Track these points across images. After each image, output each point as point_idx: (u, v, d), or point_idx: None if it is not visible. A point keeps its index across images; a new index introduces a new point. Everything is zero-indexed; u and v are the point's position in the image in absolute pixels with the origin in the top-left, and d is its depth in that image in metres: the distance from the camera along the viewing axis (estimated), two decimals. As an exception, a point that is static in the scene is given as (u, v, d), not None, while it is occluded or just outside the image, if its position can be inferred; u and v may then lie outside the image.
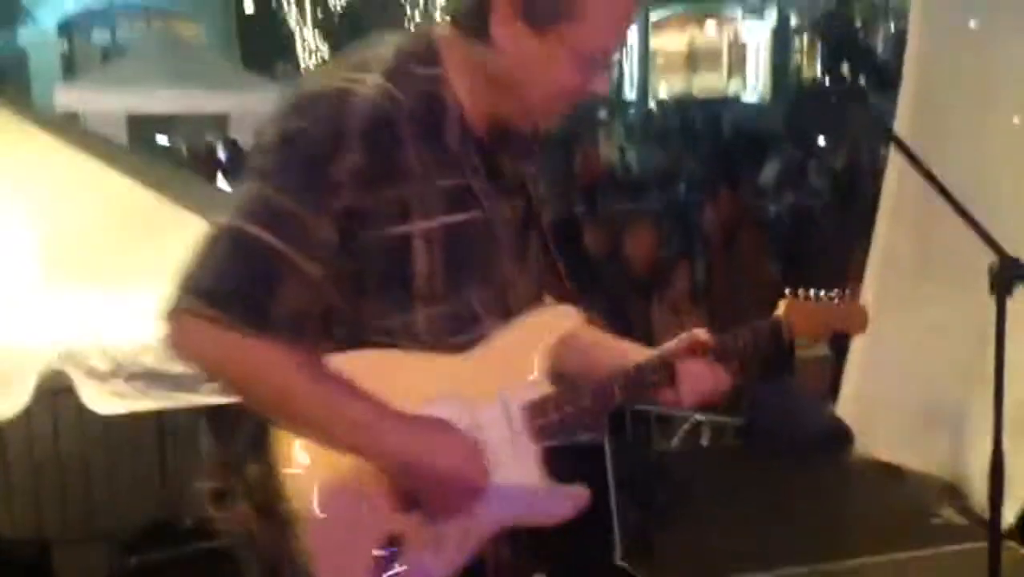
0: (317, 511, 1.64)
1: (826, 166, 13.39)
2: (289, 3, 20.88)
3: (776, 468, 3.96)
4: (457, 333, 1.72)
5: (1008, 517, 3.66)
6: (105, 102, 14.22)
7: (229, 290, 1.57)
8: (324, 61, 18.86)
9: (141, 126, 16.83)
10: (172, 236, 3.62)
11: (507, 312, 1.78)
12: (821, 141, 14.70)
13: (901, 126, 4.24)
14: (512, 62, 1.68)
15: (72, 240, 3.49)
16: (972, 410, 3.67)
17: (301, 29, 20.49)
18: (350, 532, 1.67)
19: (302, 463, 1.65)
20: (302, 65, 20.47)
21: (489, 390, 1.75)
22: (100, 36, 25.61)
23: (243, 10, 28.37)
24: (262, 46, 24.92)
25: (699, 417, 4.46)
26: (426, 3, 9.67)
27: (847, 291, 2.05)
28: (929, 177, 2.14)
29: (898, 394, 4.11)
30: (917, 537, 3.35)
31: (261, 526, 1.70)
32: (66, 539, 4.74)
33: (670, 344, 1.94)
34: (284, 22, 21.41)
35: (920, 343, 4.22)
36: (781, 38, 28.79)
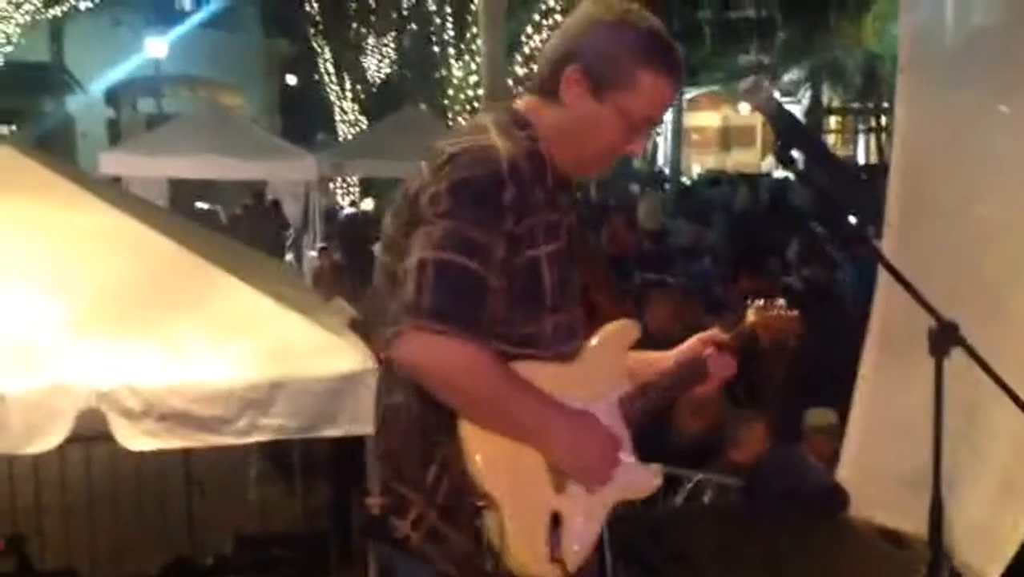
0: (504, 498, 1.95)
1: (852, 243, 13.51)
2: (330, 76, 21.37)
3: (776, 528, 4.11)
4: (569, 341, 2.14)
5: (993, 573, 3.80)
6: (148, 167, 14.62)
7: (448, 308, 1.92)
8: (362, 131, 19.31)
9: (182, 191, 17.28)
10: (201, 290, 3.89)
11: (589, 328, 2.21)
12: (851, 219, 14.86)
13: (892, 210, 4.46)
14: (575, 118, 2.12)
15: (111, 292, 3.74)
16: (956, 475, 3.81)
17: (340, 101, 20.96)
18: (530, 512, 1.99)
19: (486, 459, 1.96)
20: (340, 136, 20.90)
21: (595, 390, 2.15)
22: (145, 104, 26.27)
23: (285, 82, 29.06)
24: (302, 116, 25.50)
25: (702, 476, 4.62)
26: (459, 81, 10.03)
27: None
28: (876, 253, 2.34)
29: (893, 460, 4.25)
30: (901, 590, 3.49)
31: (448, 527, 2.00)
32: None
33: (694, 345, 2.42)
34: (324, 94, 21.90)
35: (915, 412, 4.37)
36: (814, 117, 29.10)
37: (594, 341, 2.18)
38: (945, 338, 2.26)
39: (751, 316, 2.50)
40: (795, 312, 2.53)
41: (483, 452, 1.96)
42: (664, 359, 2.40)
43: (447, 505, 2.00)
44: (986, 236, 4.07)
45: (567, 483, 2.04)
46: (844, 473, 4.52)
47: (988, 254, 4.02)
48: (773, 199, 20.39)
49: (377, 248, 2.24)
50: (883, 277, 4.52)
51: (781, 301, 2.53)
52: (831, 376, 4.96)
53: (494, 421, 1.98)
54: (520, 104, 2.20)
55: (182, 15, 25.32)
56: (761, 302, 2.52)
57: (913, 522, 4.38)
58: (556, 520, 2.00)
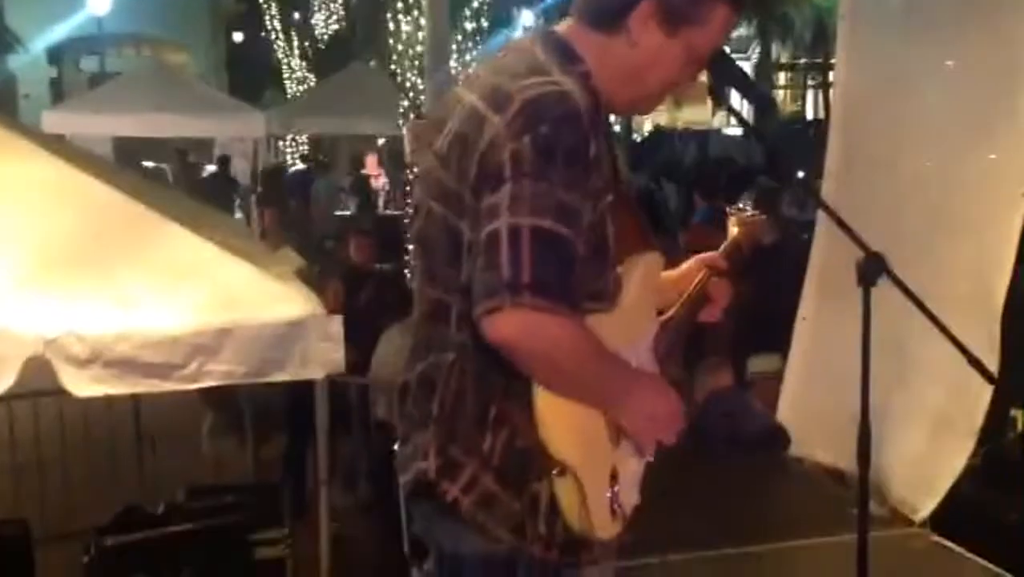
0: (578, 464, 1.90)
1: (800, 197, 13.69)
2: (277, 33, 21.09)
3: (720, 469, 4.22)
4: (618, 291, 2.01)
5: (927, 508, 3.95)
6: (92, 126, 14.44)
7: (548, 283, 1.78)
8: (310, 88, 19.14)
9: (127, 150, 17.09)
10: (148, 239, 3.90)
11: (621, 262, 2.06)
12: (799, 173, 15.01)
13: (831, 157, 4.56)
14: (640, 53, 1.99)
15: (57, 242, 3.73)
16: (893, 415, 3.94)
17: (288, 58, 20.72)
18: (598, 472, 1.96)
19: (561, 426, 1.89)
20: (288, 93, 20.69)
21: (636, 335, 2.09)
22: (88, 63, 25.83)
23: (232, 39, 28.68)
24: (250, 74, 25.21)
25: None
26: (408, 37, 9.95)
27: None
28: (812, 194, 2.40)
29: (831, 400, 4.36)
30: (838, 525, 3.60)
31: (504, 491, 1.93)
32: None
33: (692, 269, 2.37)
34: (272, 52, 21.64)
35: (851, 352, 4.49)
36: (763, 73, 29.22)
37: (631, 282, 2.05)
38: (872, 268, 2.33)
39: (735, 228, 2.49)
40: (763, 215, 2.58)
41: (558, 420, 1.89)
42: (670, 287, 2.34)
43: (504, 469, 1.93)
44: (915, 185, 4.18)
45: (621, 436, 2.00)
46: (784, 414, 4.65)
47: (916, 202, 4.14)
48: (723, 155, 20.54)
49: (421, 195, 2.05)
50: (820, 223, 4.63)
51: (748, 210, 2.57)
52: (780, 325, 5.06)
53: (578, 392, 1.91)
54: (564, 32, 2.03)
55: (126, -28, 24.86)
56: (736, 213, 2.54)
57: (851, 459, 4.51)
58: (614, 474, 1.98)
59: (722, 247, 2.46)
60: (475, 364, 1.94)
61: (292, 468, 6.19)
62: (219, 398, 6.45)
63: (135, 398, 5.72)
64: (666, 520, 3.68)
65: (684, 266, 2.39)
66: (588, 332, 1.87)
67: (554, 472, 1.89)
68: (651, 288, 2.14)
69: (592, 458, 1.95)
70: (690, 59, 2.00)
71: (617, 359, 1.95)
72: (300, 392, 4.77)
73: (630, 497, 2.04)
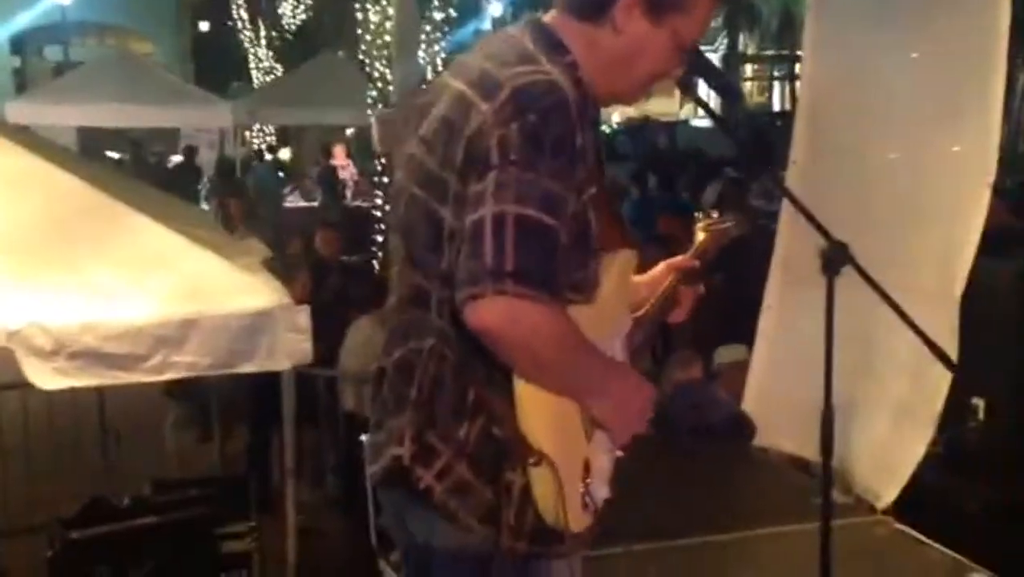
0: (556, 454, 1.89)
1: (768, 188, 13.77)
2: (243, 23, 20.95)
3: (686, 459, 4.24)
4: (598, 283, 2.00)
5: (889, 496, 3.98)
6: (55, 116, 14.30)
7: (531, 272, 1.78)
8: (277, 78, 19.02)
9: (91, 140, 16.93)
10: (113, 229, 3.87)
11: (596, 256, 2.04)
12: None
13: (797, 147, 4.59)
14: (626, 43, 1.99)
15: (20, 232, 3.70)
16: (857, 403, 3.98)
17: (254, 48, 20.59)
18: (573, 464, 1.95)
19: (540, 417, 1.90)
20: (255, 83, 20.54)
21: (612, 328, 2.10)
22: (52, 52, 25.56)
23: (197, 29, 28.44)
24: (216, 64, 25.02)
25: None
26: (376, 27, 9.92)
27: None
28: (777, 183, 2.42)
29: (796, 389, 4.39)
30: (802, 513, 3.63)
31: (477, 479, 1.92)
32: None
33: (663, 273, 2.39)
34: (238, 41, 21.48)
35: (816, 341, 4.53)
36: (731, 64, 29.38)
37: (607, 276, 2.06)
38: (836, 257, 2.34)
39: (701, 234, 2.53)
40: (730, 221, 2.60)
41: (537, 411, 1.89)
42: (642, 287, 2.35)
43: (478, 457, 1.92)
44: (881, 175, 4.21)
45: (594, 431, 2.00)
46: (750, 404, 4.67)
47: (882, 192, 4.17)
48: (691, 145, 20.66)
49: (403, 179, 2.04)
50: (785, 212, 4.66)
51: (715, 214, 2.60)
52: (746, 315, 5.09)
53: (557, 382, 1.90)
54: (552, 21, 2.02)
55: (89, -40, 24.58)
56: (704, 218, 2.59)
57: (815, 448, 4.55)
58: (587, 468, 1.99)
59: (690, 252, 2.50)
60: (455, 351, 1.93)
61: (257, 461, 6.17)
62: (182, 391, 6.42)
63: (99, 390, 5.69)
64: (631, 510, 3.69)
65: (655, 269, 2.41)
66: (569, 321, 1.87)
67: (531, 461, 1.89)
68: (626, 284, 2.16)
69: (567, 450, 1.94)
70: (676, 48, 2.00)
71: (595, 350, 1.95)
72: (265, 384, 4.76)
73: (601, 491, 2.04)
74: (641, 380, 2.05)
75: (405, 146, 2.06)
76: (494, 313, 1.78)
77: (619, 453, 2.10)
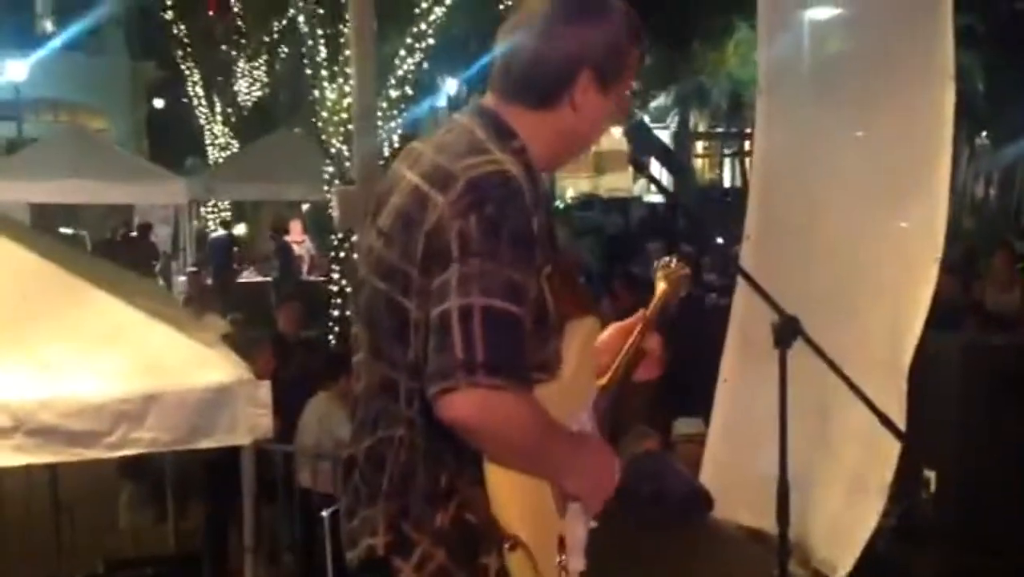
0: (530, 537, 1.91)
1: (719, 262, 13.97)
2: (199, 99, 21.03)
3: (643, 531, 4.25)
4: (559, 359, 2.03)
5: (846, 566, 4.03)
6: (8, 192, 14.20)
7: (502, 362, 1.80)
8: (233, 154, 19.06)
9: (44, 217, 16.81)
10: (71, 305, 3.86)
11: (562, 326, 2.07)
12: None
13: (750, 222, 4.70)
14: (581, 118, 2.05)
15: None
16: (812, 475, 4.03)
17: (210, 124, 20.65)
18: (548, 543, 1.97)
19: (512, 501, 1.91)
20: (211, 159, 20.58)
21: (580, 401, 2.12)
22: (5, 129, 25.44)
23: (152, 106, 28.46)
24: (170, 141, 25.01)
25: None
26: (333, 104, 10.04)
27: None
28: (730, 258, 2.48)
29: (753, 461, 4.44)
30: (762, 585, 3.65)
31: (457, 567, 1.92)
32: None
33: (623, 331, 2.36)
34: (193, 118, 21.54)
35: (771, 413, 4.59)
36: (681, 142, 29.83)
37: (571, 348, 2.07)
38: (787, 330, 2.41)
39: (661, 283, 2.53)
40: (687, 268, 2.59)
41: (508, 494, 1.91)
42: (609, 351, 2.35)
43: (455, 544, 1.93)
44: (831, 251, 4.32)
45: (567, 504, 2.02)
46: (707, 476, 4.71)
47: (832, 266, 4.27)
48: (644, 221, 20.92)
49: (365, 271, 2.07)
50: (740, 286, 4.75)
51: (672, 260, 2.58)
52: (699, 387, 5.14)
53: (529, 466, 1.93)
54: (495, 108, 2.06)
55: (44, 37, 24.62)
56: (662, 264, 2.57)
57: (773, 520, 4.60)
58: (561, 543, 2.01)
59: (652, 304, 2.48)
60: (425, 440, 1.95)
61: (213, 539, 6.09)
62: (136, 468, 6.35)
63: (52, 467, 5.60)
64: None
65: (604, 334, 2.38)
66: (539, 407, 1.90)
67: (506, 546, 1.90)
68: (590, 354, 2.17)
69: (542, 529, 1.97)
70: (615, 112, 2.10)
71: (564, 430, 1.99)
72: (221, 460, 4.72)
73: (577, 563, 2.07)
74: (607, 448, 2.10)
75: (363, 236, 2.12)
76: (468, 406, 1.81)
77: (593, 523, 2.13)
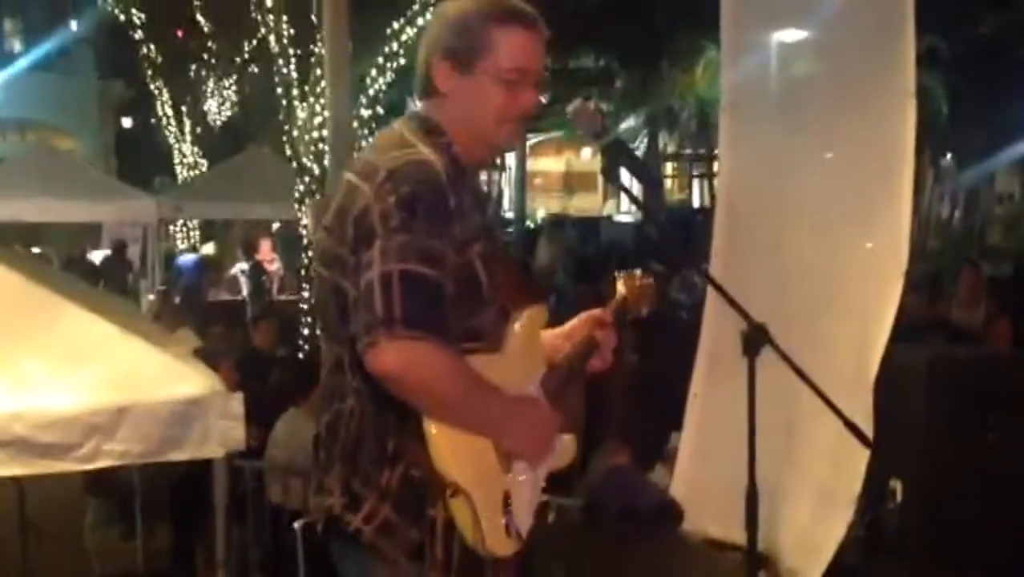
0: (470, 485, 2.08)
1: (689, 281, 14.03)
2: (168, 118, 20.97)
3: (615, 545, 4.28)
4: (499, 329, 2.25)
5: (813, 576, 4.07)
6: (-25, 210, 14.09)
7: (420, 317, 2.03)
8: (202, 173, 19.00)
9: (11, 236, 16.67)
10: (42, 318, 3.85)
11: (506, 312, 2.29)
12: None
13: (718, 240, 4.75)
14: (459, 102, 2.26)
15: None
16: (780, 488, 4.08)
17: (179, 143, 20.58)
18: (491, 495, 2.13)
19: (452, 452, 2.08)
20: (180, 178, 20.50)
21: (524, 374, 2.30)
22: (-27, 148, 25.24)
23: (121, 125, 28.33)
24: (139, 160, 24.90)
25: (546, 498, 4.75)
26: (304, 123, 10.07)
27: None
28: (700, 270, 2.52)
29: (722, 474, 4.47)
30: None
31: (401, 519, 2.11)
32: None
33: (582, 324, 2.54)
34: (162, 137, 21.46)
35: (741, 426, 4.64)
36: (651, 162, 30.01)
37: (516, 328, 2.29)
38: (755, 338, 2.46)
39: (621, 288, 2.68)
40: (651, 279, 2.74)
41: (449, 446, 2.08)
42: (560, 338, 2.53)
43: (401, 499, 2.11)
44: (796, 265, 4.38)
45: (512, 463, 2.20)
46: (678, 489, 4.74)
47: (799, 281, 4.33)
48: (614, 241, 21.00)
49: (315, 265, 2.31)
50: (710, 301, 4.80)
51: (639, 271, 2.73)
52: (671, 401, 5.18)
53: (461, 418, 2.10)
54: (421, 112, 2.32)
55: (11, 57, 24.50)
56: (625, 273, 2.72)
57: (742, 533, 4.65)
58: (507, 498, 2.17)
59: (610, 304, 2.64)
60: (371, 405, 2.14)
61: (182, 557, 6.06)
62: (103, 487, 6.31)
63: (19, 484, 5.56)
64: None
65: (574, 320, 2.57)
66: (461, 359, 2.09)
67: (448, 493, 2.06)
68: (536, 335, 2.36)
69: (484, 482, 2.13)
70: (503, 82, 2.24)
71: (494, 386, 2.15)
72: (189, 477, 4.71)
73: (525, 520, 2.23)
74: (544, 406, 2.27)
75: (315, 238, 2.34)
76: (390, 356, 2.01)
77: (541, 484, 2.30)
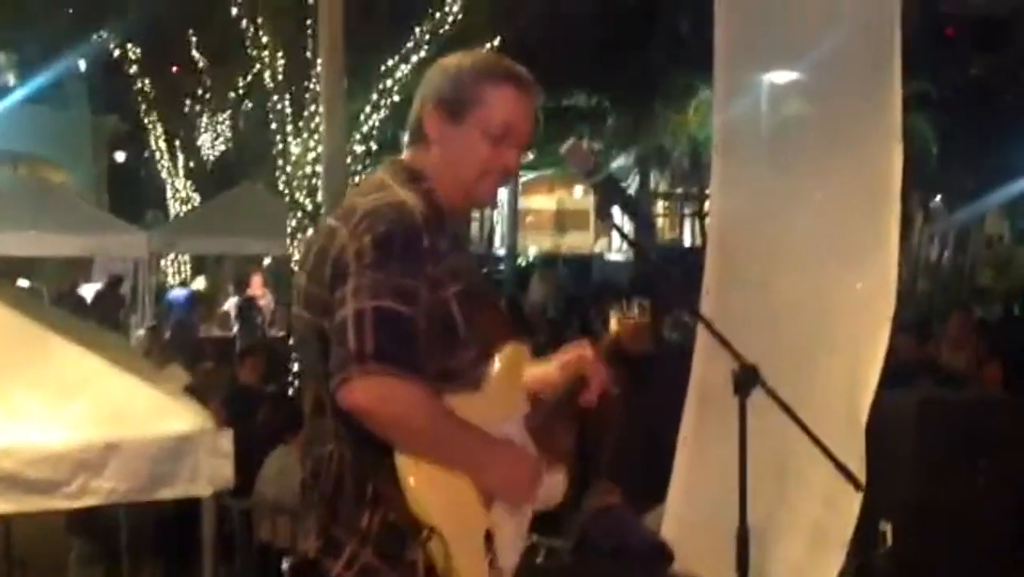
0: (446, 526, 2.06)
1: (681, 321, 14.04)
2: (161, 153, 20.99)
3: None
4: (477, 369, 2.26)
5: (803, 620, 4.04)
6: (-35, 244, 14.04)
7: (391, 352, 2.04)
8: (195, 208, 19.01)
9: (2, 267, 16.62)
10: (32, 353, 3.84)
11: (488, 351, 2.30)
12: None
13: (709, 278, 4.77)
14: (446, 150, 2.30)
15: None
16: (772, 529, 4.06)
17: (172, 178, 20.60)
18: (469, 533, 2.12)
19: (426, 492, 2.07)
20: (172, 213, 20.50)
21: (505, 413, 2.30)
22: (-37, 180, 25.17)
23: (113, 159, 28.35)
24: (130, 194, 24.90)
25: (535, 538, 4.72)
26: (298, 158, 10.12)
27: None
28: (692, 310, 2.53)
29: (712, 515, 4.47)
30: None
31: (382, 563, 2.11)
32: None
33: (572, 360, 2.52)
34: (154, 172, 21.48)
35: (731, 467, 4.62)
36: (643, 202, 30.11)
37: (496, 367, 2.31)
38: (746, 379, 2.46)
39: (614, 325, 2.69)
40: (646, 318, 2.72)
41: (423, 486, 2.07)
42: (550, 374, 2.52)
43: (381, 543, 2.11)
44: (787, 306, 4.39)
45: (493, 501, 2.19)
46: (668, 530, 4.72)
47: (790, 321, 4.34)
48: (605, 280, 21.04)
49: (295, 308, 2.33)
50: (700, 342, 4.80)
51: (635, 307, 2.71)
52: (663, 447, 5.16)
53: (435, 454, 2.10)
54: (406, 158, 2.38)
55: (4, 91, 24.53)
56: (619, 311, 2.71)
57: (734, 575, 4.63)
58: (489, 537, 2.16)
59: (604, 339, 2.66)
60: (349, 448, 2.15)
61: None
62: (87, 525, 6.25)
63: (5, 520, 5.51)
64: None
65: (566, 355, 2.56)
66: (434, 393, 2.09)
67: (423, 536, 2.05)
68: (517, 372, 2.37)
69: (464, 522, 2.12)
70: (490, 137, 2.29)
71: (469, 424, 2.15)
72: (177, 516, 4.67)
73: (509, 558, 2.21)
74: (526, 452, 2.26)
75: (297, 281, 2.36)
76: (362, 391, 2.03)
77: (528, 522, 2.28)
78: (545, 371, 2.52)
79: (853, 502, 3.83)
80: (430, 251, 2.18)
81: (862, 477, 3.54)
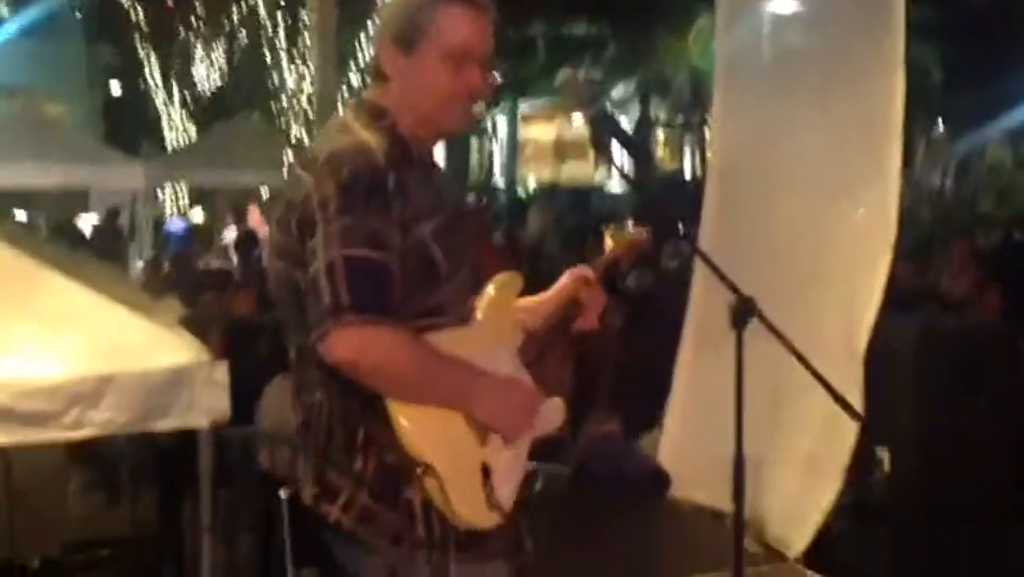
0: (440, 462, 2.06)
1: (680, 250, 14.02)
2: (157, 85, 20.81)
3: (603, 510, 4.30)
4: (464, 303, 2.25)
5: (800, 545, 4.09)
6: (-39, 176, 13.98)
7: (366, 300, 2.03)
8: (192, 140, 18.92)
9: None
10: (25, 286, 3.82)
11: (477, 283, 2.30)
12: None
13: (707, 206, 4.74)
14: (405, 83, 2.25)
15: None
16: (768, 457, 4.08)
17: (168, 109, 20.44)
18: (464, 468, 2.11)
19: (418, 431, 2.06)
20: (168, 145, 20.36)
21: (496, 345, 2.28)
22: (-42, 113, 25.00)
23: (109, 91, 28.13)
24: (128, 126, 24.75)
25: (533, 465, 4.75)
26: (294, 92, 10.01)
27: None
28: (688, 240, 2.50)
29: (709, 442, 4.48)
30: (716, 563, 3.70)
31: (379, 505, 2.11)
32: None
33: (567, 283, 2.51)
34: (151, 103, 21.31)
35: (727, 395, 4.63)
36: (642, 132, 29.90)
37: (486, 298, 2.30)
38: (743, 311, 2.44)
39: (610, 243, 2.67)
40: (644, 231, 2.71)
41: (414, 425, 2.07)
42: (544, 303, 2.51)
43: (376, 485, 2.12)
44: (788, 235, 4.37)
45: (489, 434, 2.18)
46: (665, 457, 4.75)
47: (788, 250, 4.32)
48: (605, 211, 20.97)
49: (269, 259, 2.32)
50: (698, 270, 4.78)
51: (630, 224, 2.70)
52: (661, 374, 5.17)
53: (423, 396, 2.09)
54: (370, 96, 2.33)
55: (-2, 23, 24.26)
56: (614, 228, 2.70)
57: (729, 500, 4.66)
58: (486, 470, 2.15)
59: (597, 261, 2.62)
60: (336, 395, 2.14)
61: (169, 523, 6.04)
62: (86, 454, 6.29)
63: (5, 453, 5.54)
64: (550, 560, 3.73)
65: (560, 280, 2.54)
66: (416, 337, 2.09)
67: (418, 472, 2.05)
68: (507, 302, 2.35)
69: (458, 456, 2.12)
70: (448, 60, 2.24)
71: (454, 359, 2.14)
72: (176, 444, 4.68)
73: (508, 490, 2.20)
74: (516, 378, 2.25)
75: (270, 232, 2.36)
76: (343, 344, 2.03)
77: (526, 453, 2.26)
78: (539, 299, 2.50)
79: (850, 431, 3.84)
80: (397, 191, 2.15)
81: (860, 408, 3.55)
